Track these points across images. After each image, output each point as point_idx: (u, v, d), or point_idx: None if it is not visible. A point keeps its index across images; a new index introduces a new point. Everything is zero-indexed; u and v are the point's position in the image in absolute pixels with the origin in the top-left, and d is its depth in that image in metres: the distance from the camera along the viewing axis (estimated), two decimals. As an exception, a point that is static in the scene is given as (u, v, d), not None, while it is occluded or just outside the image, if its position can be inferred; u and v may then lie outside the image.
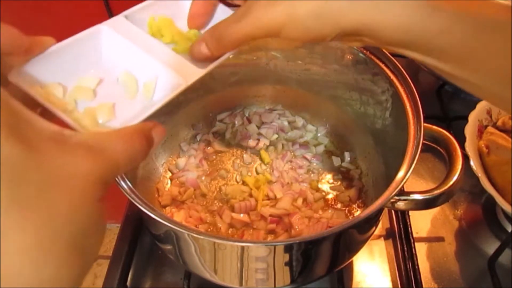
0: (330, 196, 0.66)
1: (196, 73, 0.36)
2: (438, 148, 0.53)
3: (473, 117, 0.64)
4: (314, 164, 0.70)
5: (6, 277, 0.21)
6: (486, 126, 0.66)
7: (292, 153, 0.72)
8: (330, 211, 0.64)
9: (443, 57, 0.34)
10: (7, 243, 0.21)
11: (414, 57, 0.35)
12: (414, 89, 0.54)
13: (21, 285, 0.22)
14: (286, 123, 0.75)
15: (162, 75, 0.35)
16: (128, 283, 0.60)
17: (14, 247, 0.21)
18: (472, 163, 0.58)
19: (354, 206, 0.65)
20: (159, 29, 0.39)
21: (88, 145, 0.25)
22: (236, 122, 0.75)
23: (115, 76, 0.35)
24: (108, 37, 0.35)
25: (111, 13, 0.89)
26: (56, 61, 0.32)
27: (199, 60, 0.38)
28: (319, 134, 0.74)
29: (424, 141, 0.50)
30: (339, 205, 0.65)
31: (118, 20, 0.37)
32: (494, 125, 0.66)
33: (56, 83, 0.32)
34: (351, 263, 0.62)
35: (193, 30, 0.42)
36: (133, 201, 0.46)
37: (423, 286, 0.57)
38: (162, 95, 0.34)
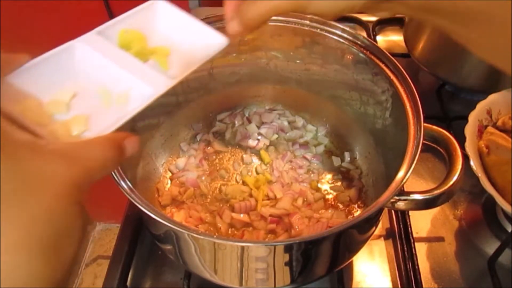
0: (330, 196, 0.66)
1: (166, 83, 0.37)
2: (438, 148, 0.53)
3: (473, 117, 0.64)
4: (314, 164, 0.70)
5: None
6: (486, 126, 0.66)
7: (292, 153, 0.72)
8: (330, 211, 0.64)
9: (469, 22, 0.34)
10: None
11: (441, 25, 0.35)
12: (414, 89, 0.54)
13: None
14: (286, 123, 0.75)
15: (134, 87, 0.36)
16: (128, 283, 0.60)
17: None
18: (472, 163, 0.58)
19: (354, 206, 0.65)
20: (128, 42, 0.40)
21: (61, 153, 0.27)
22: (236, 122, 0.75)
23: (90, 89, 0.36)
24: (81, 52, 0.36)
25: (111, 13, 0.89)
26: (32, 76, 0.33)
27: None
28: (319, 134, 0.74)
29: (424, 141, 0.50)
30: (339, 205, 0.65)
31: (91, 36, 0.38)
32: (494, 125, 0.66)
33: (31, 98, 0.33)
34: (351, 263, 0.62)
35: (161, 46, 0.42)
36: (133, 201, 0.46)
37: (423, 286, 0.57)
38: (135, 105, 0.35)
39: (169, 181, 0.68)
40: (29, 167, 0.25)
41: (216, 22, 0.63)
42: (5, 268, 0.23)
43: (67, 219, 0.25)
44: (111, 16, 0.89)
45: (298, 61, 0.68)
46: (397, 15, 0.97)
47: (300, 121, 0.75)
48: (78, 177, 0.26)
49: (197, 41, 0.41)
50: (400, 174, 0.47)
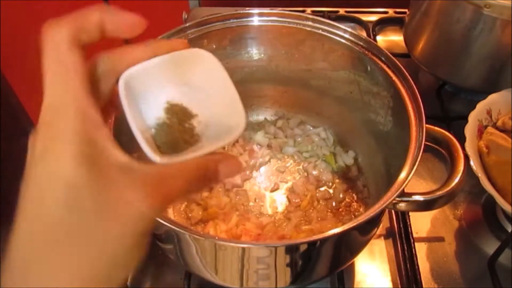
0: (331, 197, 0.66)
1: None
2: (440, 149, 0.53)
3: (473, 117, 0.64)
4: (315, 164, 0.70)
5: None
6: (486, 126, 0.66)
7: (293, 154, 0.72)
8: (331, 212, 0.64)
9: None
10: (69, 260, 0.24)
11: None
12: (416, 91, 0.54)
13: None
14: (287, 123, 0.75)
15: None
16: (128, 283, 0.60)
17: (63, 262, 0.24)
18: (472, 163, 0.58)
19: (355, 206, 0.65)
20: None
21: (151, 181, 0.27)
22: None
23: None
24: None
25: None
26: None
27: None
28: (320, 135, 0.74)
29: (426, 142, 0.50)
30: (340, 206, 0.65)
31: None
32: (494, 125, 0.66)
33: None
34: (352, 263, 0.62)
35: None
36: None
37: (423, 286, 0.58)
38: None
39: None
40: (114, 194, 0.25)
41: (216, 22, 0.63)
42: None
43: (132, 249, 0.26)
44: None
45: (299, 62, 0.68)
46: (397, 15, 0.98)
47: (300, 121, 0.75)
48: (158, 207, 0.26)
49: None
50: (402, 175, 0.47)
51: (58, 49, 0.27)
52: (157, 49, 0.31)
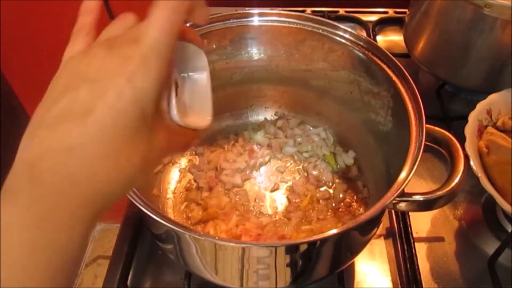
0: (331, 197, 0.66)
1: None
2: (440, 149, 0.53)
3: (473, 117, 0.64)
4: (315, 164, 0.70)
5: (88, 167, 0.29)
6: (486, 126, 0.66)
7: (293, 154, 0.72)
8: (331, 212, 0.64)
9: None
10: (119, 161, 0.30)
11: None
12: (416, 91, 0.54)
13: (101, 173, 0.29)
14: (287, 123, 0.75)
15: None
16: (128, 283, 0.60)
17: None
18: (472, 163, 0.58)
19: (355, 206, 0.65)
20: None
21: (170, 130, 0.35)
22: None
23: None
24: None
25: (111, 13, 0.88)
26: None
27: None
28: (320, 135, 0.73)
29: (426, 142, 0.50)
30: (340, 206, 0.65)
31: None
32: (494, 125, 0.66)
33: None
34: (352, 263, 0.62)
35: None
36: (136, 202, 0.46)
37: (423, 286, 0.57)
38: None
39: (170, 181, 0.69)
40: (156, 129, 0.33)
41: (216, 22, 0.63)
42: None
43: (143, 172, 0.32)
44: (111, 16, 0.88)
45: (299, 62, 0.68)
46: (397, 15, 0.98)
47: (300, 121, 0.75)
48: (169, 151, 0.35)
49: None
50: (402, 175, 0.47)
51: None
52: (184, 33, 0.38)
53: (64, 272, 0.29)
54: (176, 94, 0.35)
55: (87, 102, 0.29)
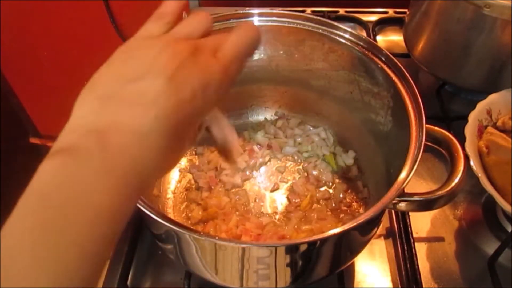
0: (331, 197, 0.66)
1: None
2: (440, 149, 0.53)
3: (473, 117, 0.64)
4: (315, 164, 0.70)
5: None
6: (486, 126, 0.66)
7: (293, 154, 0.72)
8: (331, 212, 0.64)
9: None
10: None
11: None
12: (416, 91, 0.54)
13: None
14: (287, 123, 0.75)
15: None
16: (128, 283, 0.60)
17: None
18: (472, 163, 0.58)
19: (355, 206, 0.65)
20: None
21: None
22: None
23: None
24: None
25: (111, 13, 0.88)
26: None
27: None
28: (320, 135, 0.73)
29: (426, 142, 0.50)
30: (340, 206, 0.65)
31: None
32: (494, 125, 0.66)
33: None
34: (352, 263, 0.62)
35: None
36: (136, 203, 0.46)
37: (423, 286, 0.57)
38: None
39: (170, 181, 0.69)
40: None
41: (216, 22, 0.63)
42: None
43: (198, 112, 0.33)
44: (111, 16, 0.88)
45: (299, 62, 0.68)
46: (397, 15, 0.98)
47: (300, 121, 0.75)
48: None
49: None
50: (402, 175, 0.47)
51: None
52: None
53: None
54: None
55: (162, 93, 0.31)
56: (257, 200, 0.67)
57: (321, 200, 0.66)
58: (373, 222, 0.54)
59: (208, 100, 0.33)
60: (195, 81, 0.32)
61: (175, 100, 0.31)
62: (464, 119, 0.64)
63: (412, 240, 0.61)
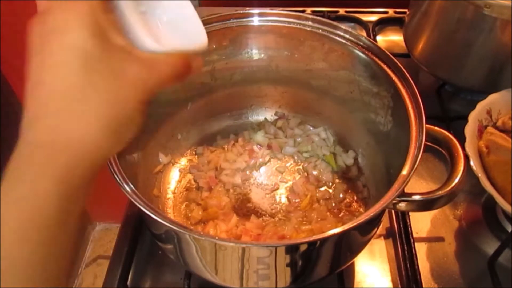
0: (331, 197, 0.66)
1: None
2: (440, 149, 0.53)
3: (473, 117, 0.64)
4: (315, 164, 0.70)
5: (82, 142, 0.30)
6: (486, 126, 0.66)
7: (293, 154, 0.72)
8: (331, 212, 0.64)
9: None
10: (87, 111, 0.30)
11: None
12: (416, 91, 0.54)
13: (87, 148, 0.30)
14: (287, 123, 0.75)
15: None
16: (128, 283, 0.60)
17: (87, 115, 0.30)
18: (472, 163, 0.58)
19: (355, 206, 0.65)
20: None
21: (147, 61, 0.33)
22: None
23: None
24: None
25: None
26: None
27: None
28: (320, 135, 0.73)
29: (426, 142, 0.50)
30: (340, 206, 0.65)
31: None
32: (494, 125, 0.66)
33: None
34: (352, 263, 0.62)
35: None
36: (137, 203, 0.46)
37: (423, 286, 0.57)
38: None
39: (170, 181, 0.69)
40: (119, 64, 0.31)
41: (216, 22, 0.63)
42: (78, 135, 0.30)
43: (133, 112, 0.32)
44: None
45: (299, 62, 0.68)
46: (397, 15, 0.98)
47: (300, 121, 0.75)
48: (153, 83, 0.33)
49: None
50: (402, 175, 0.47)
51: None
52: None
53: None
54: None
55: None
56: (257, 200, 0.67)
57: (321, 200, 0.66)
58: (373, 222, 0.54)
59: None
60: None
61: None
62: (464, 119, 0.64)
63: (412, 240, 0.61)
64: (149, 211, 0.45)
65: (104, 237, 0.85)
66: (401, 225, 0.63)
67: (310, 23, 0.63)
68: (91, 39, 0.30)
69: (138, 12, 0.36)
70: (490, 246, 0.63)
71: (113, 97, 0.31)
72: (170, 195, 0.68)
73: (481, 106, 0.66)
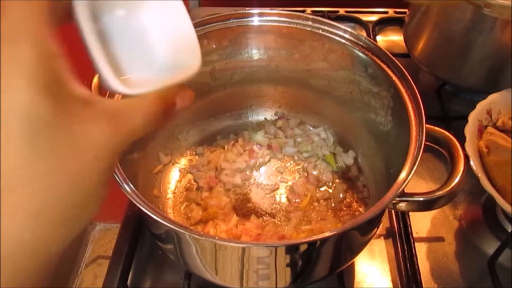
0: (331, 197, 0.66)
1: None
2: (440, 149, 0.53)
3: (473, 117, 0.64)
4: (315, 164, 0.70)
5: (4, 234, 0.22)
6: (486, 126, 0.66)
7: (293, 154, 0.72)
8: (331, 212, 0.64)
9: None
10: (13, 201, 0.22)
11: None
12: (416, 90, 0.54)
13: (15, 245, 0.22)
14: (287, 123, 0.75)
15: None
16: (128, 283, 0.60)
17: (19, 208, 0.22)
18: (472, 163, 0.58)
19: (355, 206, 0.65)
20: None
21: (111, 113, 0.26)
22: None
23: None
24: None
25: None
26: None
27: None
28: (320, 135, 0.73)
29: (426, 142, 0.50)
30: (340, 206, 0.65)
31: None
32: (494, 125, 0.66)
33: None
34: (352, 263, 0.62)
35: None
36: (137, 203, 0.46)
37: (423, 286, 0.57)
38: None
39: (170, 181, 0.69)
40: (76, 127, 0.24)
41: (216, 22, 0.63)
42: (7, 230, 0.22)
43: (95, 189, 0.25)
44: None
45: (299, 62, 0.68)
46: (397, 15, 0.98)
47: (300, 122, 0.75)
48: (120, 142, 0.26)
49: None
50: (402, 175, 0.47)
51: None
52: None
53: None
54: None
55: None
56: (257, 200, 0.67)
57: (321, 200, 0.66)
58: (373, 222, 0.54)
59: None
60: None
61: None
62: (464, 119, 0.64)
63: (412, 240, 0.61)
64: (149, 211, 0.45)
65: (104, 237, 0.85)
66: (401, 225, 0.63)
67: (310, 23, 0.63)
68: (39, 98, 0.22)
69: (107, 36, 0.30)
70: (490, 246, 0.63)
71: (67, 177, 0.24)
72: (170, 195, 0.68)
73: (481, 106, 0.66)
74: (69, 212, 0.24)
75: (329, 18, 0.74)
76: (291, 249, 0.47)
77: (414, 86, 0.55)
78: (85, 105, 0.25)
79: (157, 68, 0.32)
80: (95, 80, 0.47)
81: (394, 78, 0.57)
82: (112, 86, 0.28)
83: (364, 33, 0.92)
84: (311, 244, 0.47)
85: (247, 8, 0.65)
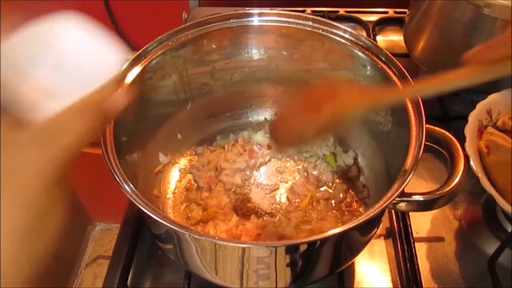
0: (331, 197, 0.66)
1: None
2: (440, 149, 0.53)
3: (473, 117, 0.64)
4: (315, 164, 0.70)
5: None
6: (486, 126, 0.66)
7: (293, 154, 0.72)
8: (331, 212, 0.64)
9: None
10: None
11: None
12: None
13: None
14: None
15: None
16: (128, 283, 0.60)
17: None
18: (472, 163, 0.58)
19: (355, 206, 0.65)
20: None
21: (39, 139, 0.27)
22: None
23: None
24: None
25: (111, 13, 0.88)
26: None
27: None
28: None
29: (426, 142, 0.50)
30: (340, 206, 0.65)
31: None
32: (494, 125, 0.66)
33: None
34: (352, 263, 0.62)
35: None
36: (137, 203, 0.46)
37: (423, 286, 0.57)
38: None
39: (170, 181, 0.69)
40: (7, 162, 0.25)
41: (216, 22, 0.63)
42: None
43: (46, 204, 0.26)
44: (111, 15, 0.88)
45: (299, 62, 0.68)
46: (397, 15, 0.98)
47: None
48: (53, 159, 0.26)
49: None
50: (402, 175, 0.47)
51: None
52: None
53: None
54: None
55: None
56: (257, 200, 0.67)
57: (321, 200, 0.66)
58: (373, 222, 0.54)
59: None
60: None
61: None
62: (464, 119, 0.64)
63: (412, 240, 0.61)
64: (149, 211, 0.45)
65: (104, 237, 0.85)
66: (401, 225, 0.63)
67: (310, 23, 0.63)
68: None
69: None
70: (490, 246, 0.63)
71: (12, 202, 0.25)
72: (170, 195, 0.68)
73: (481, 106, 0.66)
74: (25, 231, 0.25)
75: (329, 18, 0.74)
76: (291, 249, 0.47)
77: (414, 86, 0.54)
78: (11, 140, 0.26)
79: (75, 77, 0.32)
80: None
81: (394, 78, 0.57)
82: (26, 114, 0.28)
83: (364, 33, 0.92)
84: (311, 244, 0.47)
85: (247, 8, 0.65)
